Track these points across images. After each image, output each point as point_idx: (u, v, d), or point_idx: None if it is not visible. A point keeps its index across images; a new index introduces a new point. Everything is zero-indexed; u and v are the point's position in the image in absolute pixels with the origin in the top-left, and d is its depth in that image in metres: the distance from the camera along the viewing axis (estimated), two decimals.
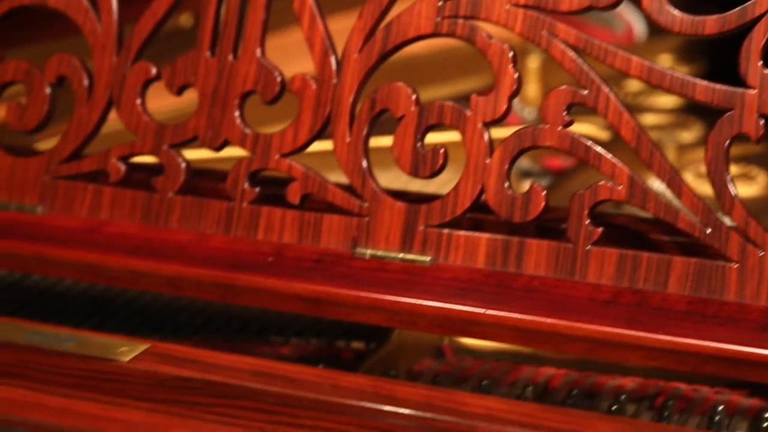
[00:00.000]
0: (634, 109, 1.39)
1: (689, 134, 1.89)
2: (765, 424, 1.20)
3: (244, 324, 1.44)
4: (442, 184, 1.31)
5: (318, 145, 1.28)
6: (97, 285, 1.49)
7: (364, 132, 1.25)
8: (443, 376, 1.29)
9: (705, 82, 1.15)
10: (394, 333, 1.35)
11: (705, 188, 1.21)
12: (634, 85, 1.98)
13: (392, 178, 1.34)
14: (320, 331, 1.42)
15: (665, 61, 2.05)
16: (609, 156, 1.17)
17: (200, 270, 1.25)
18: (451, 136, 1.26)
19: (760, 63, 1.13)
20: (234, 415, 1.11)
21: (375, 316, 1.20)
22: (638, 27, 2.12)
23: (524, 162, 1.80)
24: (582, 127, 1.25)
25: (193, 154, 1.34)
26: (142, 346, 1.17)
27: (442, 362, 1.35)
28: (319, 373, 1.15)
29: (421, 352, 1.36)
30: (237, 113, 1.29)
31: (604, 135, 1.74)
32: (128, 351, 1.17)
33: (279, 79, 1.29)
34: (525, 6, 1.20)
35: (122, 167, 1.33)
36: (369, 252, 1.23)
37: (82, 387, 1.14)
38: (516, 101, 1.24)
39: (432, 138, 1.24)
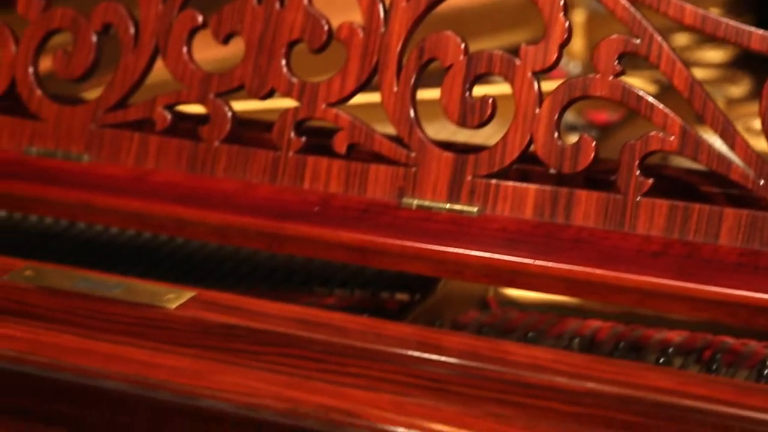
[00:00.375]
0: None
1: (737, 89, 1.87)
2: None
3: (288, 274, 1.44)
4: (487, 138, 1.30)
5: (365, 97, 1.28)
6: (142, 235, 1.49)
7: (412, 81, 1.24)
8: (488, 327, 1.28)
9: (760, 31, 1.13)
10: (439, 284, 1.34)
11: (753, 143, 1.20)
12: (681, 39, 1.97)
13: (437, 132, 1.33)
14: (364, 283, 1.41)
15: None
16: (661, 106, 1.16)
17: (246, 219, 1.25)
18: (497, 89, 1.25)
19: None
20: (280, 363, 1.10)
21: (421, 266, 1.20)
22: None
23: (569, 116, 1.79)
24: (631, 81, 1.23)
25: (239, 105, 1.34)
26: (188, 294, 1.17)
27: (487, 314, 1.34)
28: (365, 321, 1.15)
29: (466, 304, 1.36)
30: (283, 62, 1.29)
31: (651, 89, 1.73)
32: (175, 298, 1.17)
33: (326, 27, 1.28)
34: None
35: (168, 116, 1.33)
36: (415, 202, 1.23)
37: (129, 333, 1.14)
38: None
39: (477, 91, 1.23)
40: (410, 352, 1.10)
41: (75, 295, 1.18)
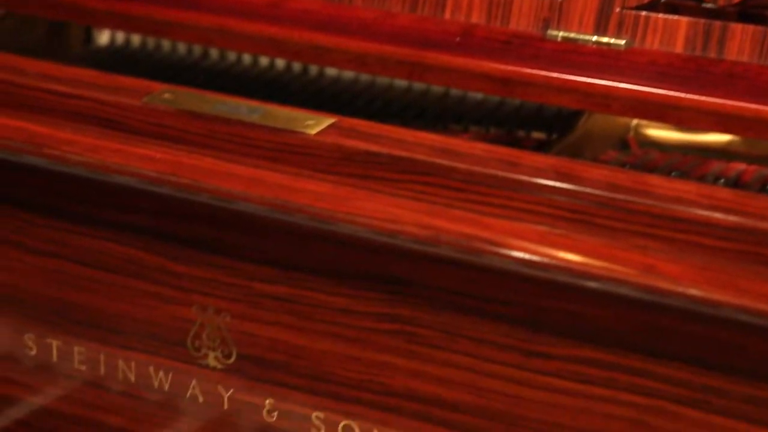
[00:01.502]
0: None
1: None
2: None
3: (422, 111, 1.42)
4: None
5: None
6: (275, 67, 1.48)
7: None
8: (629, 166, 1.26)
9: None
10: (578, 123, 1.32)
11: None
12: None
13: None
14: (500, 120, 1.39)
15: None
16: None
17: (386, 47, 1.22)
18: None
19: None
20: (421, 191, 1.09)
21: (567, 98, 1.17)
22: None
23: None
24: None
25: None
26: (328, 120, 1.16)
27: (627, 154, 1.31)
28: (508, 152, 1.12)
29: (605, 144, 1.33)
30: None
31: None
32: (315, 124, 1.15)
33: None
34: None
35: None
36: (561, 34, 1.19)
37: (269, 158, 1.13)
38: None
39: None
40: (553, 183, 1.07)
41: (214, 119, 1.17)
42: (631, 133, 1.33)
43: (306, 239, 1.14)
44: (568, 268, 1.02)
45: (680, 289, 0.98)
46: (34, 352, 1.31)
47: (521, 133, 1.37)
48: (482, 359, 1.10)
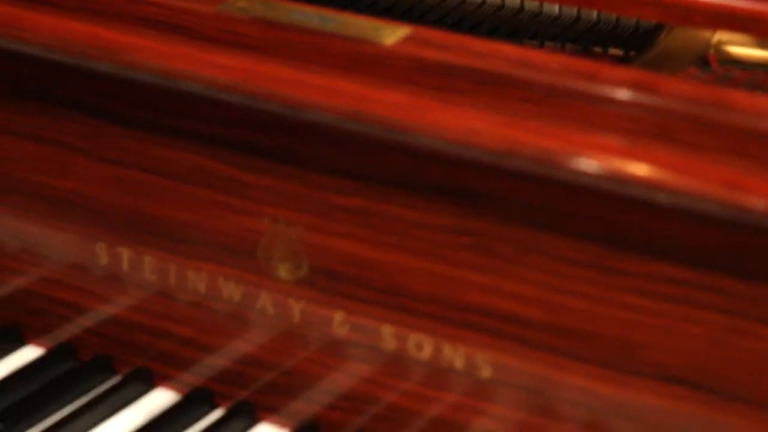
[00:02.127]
0: None
1: None
2: None
3: (496, 26, 1.40)
4: None
5: None
6: None
7: None
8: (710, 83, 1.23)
9: None
10: (656, 39, 1.29)
11: None
12: None
13: None
14: (576, 36, 1.36)
15: None
16: None
17: None
18: None
19: None
20: (498, 103, 1.06)
21: (647, 11, 1.15)
22: None
23: None
24: None
25: None
26: (404, 30, 1.13)
27: (708, 72, 1.28)
28: (586, 65, 1.10)
29: (684, 61, 1.30)
30: None
31: None
32: (390, 34, 1.13)
33: None
34: None
35: None
36: None
37: (344, 68, 1.11)
38: None
39: None
40: (633, 96, 1.05)
41: (288, 27, 1.15)
42: (712, 51, 1.30)
43: (380, 150, 1.13)
44: (647, 182, 1.00)
45: (763, 204, 0.96)
46: (104, 262, 1.31)
47: (598, 50, 1.34)
48: (557, 275, 1.09)
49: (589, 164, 1.01)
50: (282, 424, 1.26)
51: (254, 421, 1.27)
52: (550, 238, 1.08)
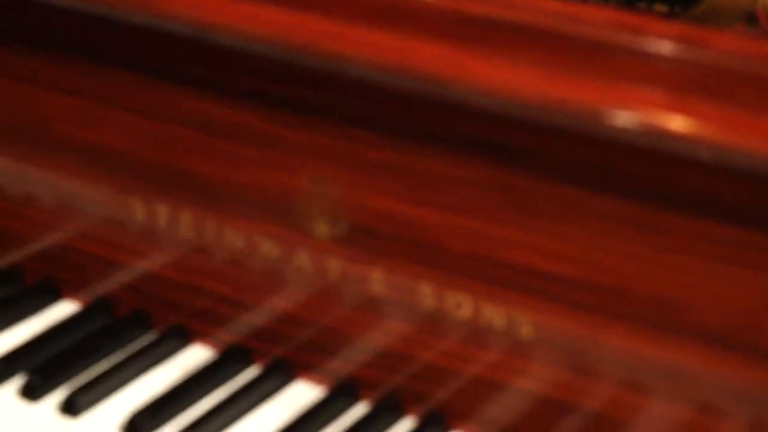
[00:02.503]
0: None
1: None
2: None
3: None
4: None
5: None
6: None
7: None
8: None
9: None
10: None
11: None
12: None
13: None
14: None
15: None
16: None
17: None
18: None
19: None
20: (541, 57, 1.04)
21: None
22: None
23: None
24: None
25: None
26: None
27: (755, 27, 1.25)
28: (631, 18, 1.07)
29: (731, 17, 1.28)
30: None
31: None
32: None
33: None
34: None
35: None
36: None
37: (383, 20, 1.09)
38: None
39: None
40: (680, 51, 1.03)
41: None
42: (759, 6, 1.28)
43: (419, 105, 1.11)
44: (690, 137, 0.98)
45: None
46: (140, 217, 1.30)
47: (642, 5, 1.32)
48: (598, 233, 1.07)
49: (631, 118, 0.99)
50: (318, 382, 1.25)
51: (290, 378, 1.27)
52: (592, 195, 1.06)
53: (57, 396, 1.23)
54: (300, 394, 1.25)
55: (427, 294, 1.16)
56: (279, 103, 1.18)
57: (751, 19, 1.27)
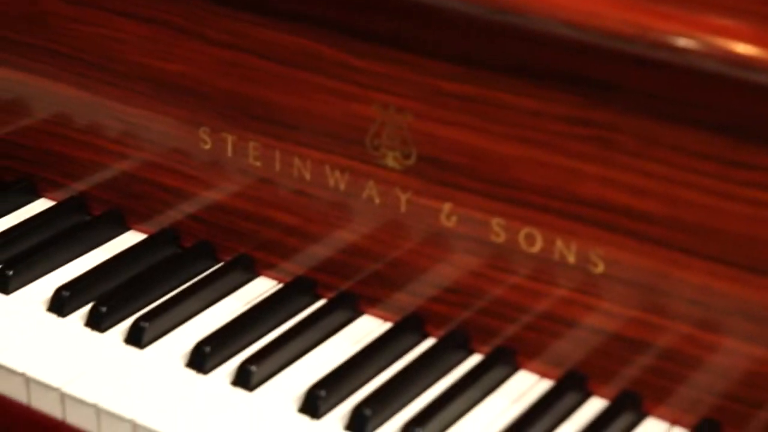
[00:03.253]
0: None
1: None
2: None
3: None
4: None
5: None
6: None
7: None
8: None
9: None
10: None
11: None
12: None
13: None
14: None
15: None
16: None
17: None
18: None
19: None
20: None
21: None
22: None
23: None
24: None
25: None
26: None
27: None
28: None
29: None
30: None
31: None
32: None
33: None
34: None
35: None
36: None
37: None
38: None
39: None
40: None
41: None
42: None
43: (495, 34, 1.09)
44: None
45: None
46: (208, 146, 1.29)
47: None
48: (680, 168, 1.05)
49: (714, 48, 0.97)
50: (384, 317, 1.25)
51: (357, 313, 1.26)
52: (674, 129, 1.04)
53: (123, 326, 1.23)
54: (366, 328, 1.25)
55: (498, 228, 1.15)
56: (353, 32, 1.16)
57: None
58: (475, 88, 1.12)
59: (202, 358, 1.18)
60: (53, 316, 1.25)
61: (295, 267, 1.28)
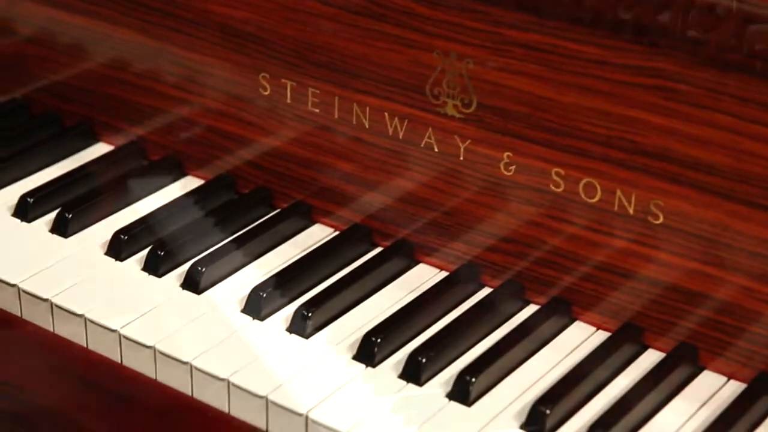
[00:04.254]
0: None
1: None
2: None
3: None
4: None
5: None
6: None
7: None
8: None
9: None
10: None
11: None
12: None
13: None
14: None
15: None
16: None
17: None
18: None
19: None
20: None
21: None
22: None
23: None
24: None
25: None
26: None
27: None
28: None
29: None
30: None
31: None
32: None
33: None
34: None
35: None
36: None
37: None
38: None
39: None
40: None
41: None
42: None
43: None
44: None
45: None
46: (267, 92, 1.29)
47: None
48: (746, 120, 1.04)
49: None
50: (441, 266, 1.25)
51: (413, 262, 1.26)
52: (741, 80, 1.03)
53: (179, 271, 1.24)
54: (422, 277, 1.25)
55: (558, 178, 1.15)
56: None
57: None
58: (539, 36, 1.11)
59: (257, 304, 1.19)
60: (111, 260, 1.26)
61: (352, 215, 1.28)
